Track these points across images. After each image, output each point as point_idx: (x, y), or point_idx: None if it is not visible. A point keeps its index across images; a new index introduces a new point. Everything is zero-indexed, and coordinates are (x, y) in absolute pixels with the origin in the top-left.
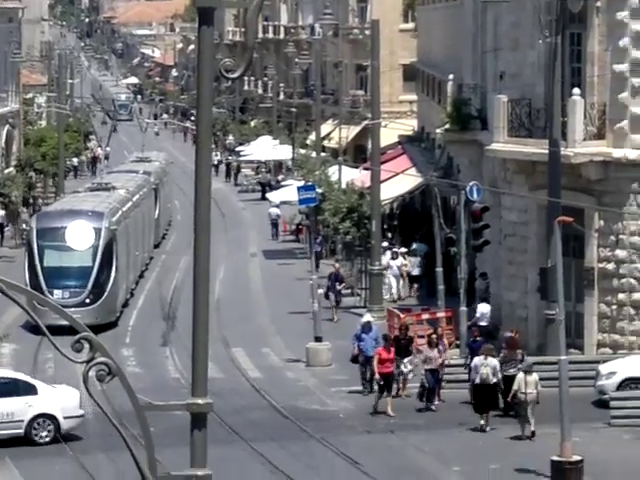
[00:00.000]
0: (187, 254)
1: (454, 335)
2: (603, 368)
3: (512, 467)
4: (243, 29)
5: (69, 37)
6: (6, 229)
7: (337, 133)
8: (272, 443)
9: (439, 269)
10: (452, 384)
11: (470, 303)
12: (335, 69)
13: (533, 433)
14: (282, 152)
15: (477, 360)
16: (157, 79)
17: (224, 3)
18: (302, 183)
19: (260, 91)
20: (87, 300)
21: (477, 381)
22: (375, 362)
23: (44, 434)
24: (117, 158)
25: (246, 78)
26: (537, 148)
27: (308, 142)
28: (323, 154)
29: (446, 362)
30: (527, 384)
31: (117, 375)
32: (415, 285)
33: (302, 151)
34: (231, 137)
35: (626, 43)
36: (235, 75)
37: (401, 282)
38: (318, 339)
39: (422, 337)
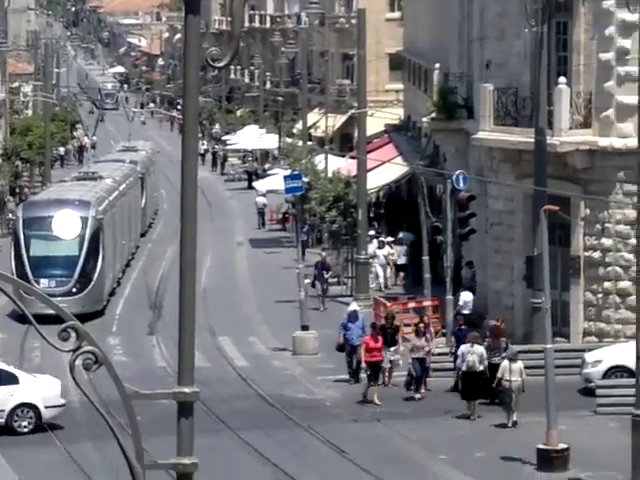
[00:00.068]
0: (173, 243)
1: (440, 324)
2: (589, 356)
3: (498, 455)
4: (229, 18)
5: (55, 26)
6: None
7: (323, 122)
8: (258, 432)
9: (425, 258)
10: (438, 372)
11: (456, 292)
12: (321, 58)
13: (515, 423)
14: (268, 141)
15: (464, 348)
16: (143, 68)
17: None
18: (288, 172)
19: (246, 80)
20: (74, 289)
21: (464, 369)
22: (362, 351)
23: (25, 423)
24: (104, 147)
25: (232, 67)
26: (523, 137)
27: (294, 131)
28: (309, 143)
29: (433, 351)
30: (511, 372)
31: (104, 364)
32: (401, 274)
33: (288, 140)
34: (217, 126)
35: (612, 32)
36: (221, 64)
37: (388, 271)
38: (305, 328)
39: (408, 325)
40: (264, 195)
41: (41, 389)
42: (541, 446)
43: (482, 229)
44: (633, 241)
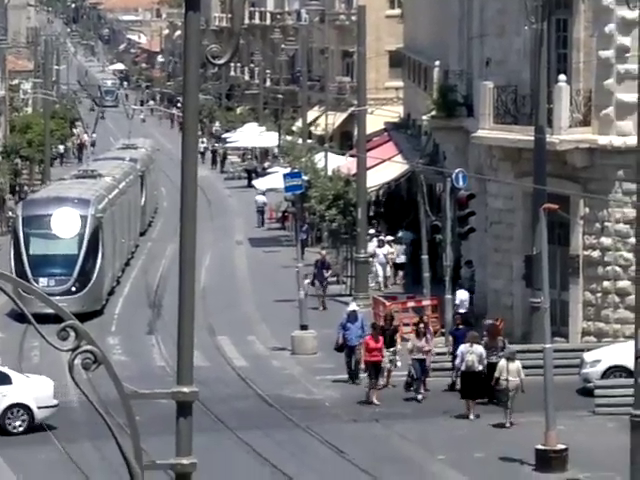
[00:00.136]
0: (173, 242)
1: (439, 323)
2: (588, 356)
3: (496, 455)
4: (229, 15)
5: (55, 23)
6: None
7: (323, 120)
8: (257, 432)
9: (425, 257)
10: (437, 372)
11: (456, 291)
12: (321, 55)
13: (511, 424)
14: (268, 139)
15: (463, 348)
16: (143, 65)
17: None
18: (288, 170)
19: (246, 77)
20: (73, 288)
21: (463, 368)
22: (362, 350)
23: (18, 424)
24: (103, 145)
25: (232, 64)
26: (523, 135)
27: (294, 129)
28: (309, 141)
29: (433, 351)
30: (509, 372)
31: (103, 363)
32: (400, 273)
33: (288, 138)
34: (217, 124)
35: (612, 29)
36: (222, 61)
37: (387, 270)
38: (304, 327)
39: (407, 325)
40: (264, 193)
41: (34, 389)
42: (540, 446)
43: (481, 228)
44: (632, 240)
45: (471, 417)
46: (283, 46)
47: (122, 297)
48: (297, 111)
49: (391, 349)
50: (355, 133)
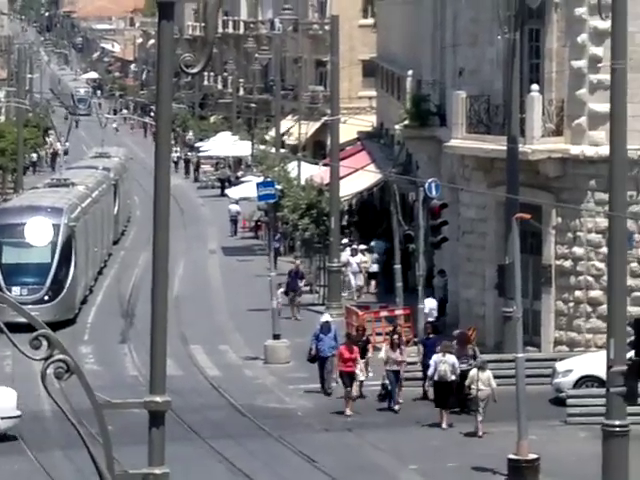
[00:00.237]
0: (146, 250)
1: (412, 332)
2: (560, 366)
3: (469, 465)
4: (203, 24)
5: (29, 31)
6: None
7: (296, 129)
8: (230, 441)
9: (397, 266)
10: (408, 382)
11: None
12: (295, 64)
13: (482, 433)
14: (241, 148)
15: (436, 357)
16: (117, 74)
17: None
18: (261, 179)
19: (220, 86)
20: (45, 297)
21: (435, 378)
22: (336, 360)
23: None
24: (76, 154)
25: (206, 73)
26: (495, 145)
27: (267, 138)
28: (282, 150)
29: (406, 361)
30: (480, 381)
31: (75, 373)
32: (373, 282)
33: (261, 147)
34: (191, 133)
35: (584, 39)
36: (195, 70)
37: (360, 279)
38: (276, 336)
39: (380, 335)
40: (237, 202)
41: None
42: (512, 456)
43: (454, 237)
44: (604, 250)
45: (444, 426)
46: (256, 55)
47: (95, 306)
48: (270, 120)
49: (363, 360)
50: (328, 142)
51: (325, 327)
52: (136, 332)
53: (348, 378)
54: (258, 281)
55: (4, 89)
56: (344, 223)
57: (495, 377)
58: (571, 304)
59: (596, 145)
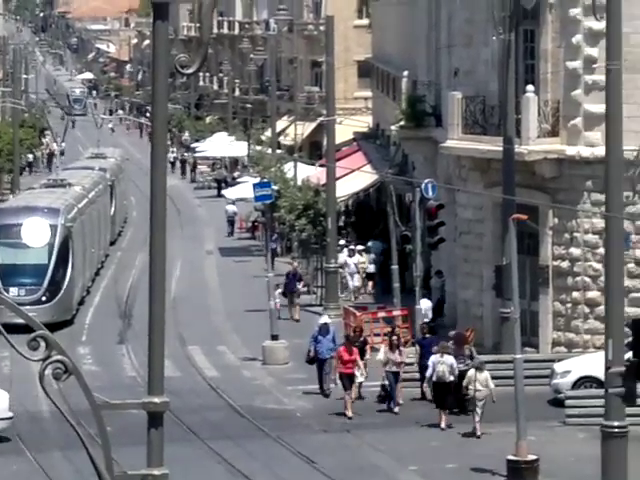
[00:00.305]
0: (143, 251)
1: (410, 333)
2: (558, 367)
3: (468, 466)
4: (198, 24)
5: (24, 32)
6: None
7: (292, 130)
8: (229, 442)
9: (394, 267)
10: (406, 382)
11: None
12: (290, 65)
13: (478, 436)
14: (238, 149)
15: (434, 358)
16: (112, 74)
17: None
18: (258, 180)
19: (215, 87)
20: (43, 298)
21: (434, 379)
22: (336, 362)
23: None
24: (72, 154)
25: (201, 74)
26: (491, 145)
27: (264, 139)
28: (279, 151)
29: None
30: (477, 381)
31: (73, 373)
32: (370, 282)
33: (258, 148)
34: (187, 133)
35: (579, 40)
36: (190, 71)
37: (357, 279)
38: (274, 337)
39: (378, 335)
40: (233, 203)
41: None
42: (511, 457)
43: (451, 238)
44: (601, 250)
45: (442, 426)
46: (252, 56)
47: (92, 307)
48: (266, 121)
49: (361, 361)
50: (324, 143)
51: (324, 329)
52: (134, 333)
53: (348, 380)
54: (255, 282)
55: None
56: (341, 224)
57: (493, 378)
58: (569, 305)
59: (592, 146)
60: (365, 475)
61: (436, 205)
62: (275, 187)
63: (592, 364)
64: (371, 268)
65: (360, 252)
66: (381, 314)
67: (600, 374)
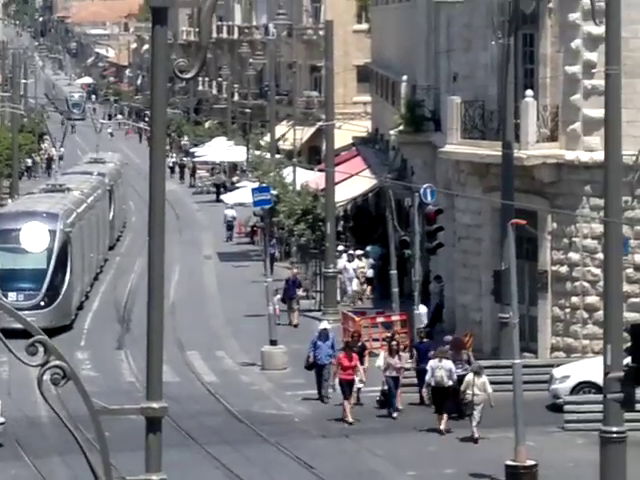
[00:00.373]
0: (142, 256)
1: (408, 338)
2: (557, 372)
3: (467, 471)
4: (197, 29)
5: (23, 36)
6: None
7: (291, 134)
8: (227, 447)
9: (393, 272)
10: (405, 387)
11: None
12: (289, 70)
13: (476, 440)
14: (237, 153)
15: (432, 363)
16: (111, 79)
17: (178, 3)
18: (257, 185)
19: (214, 92)
20: (42, 303)
21: (432, 384)
22: (336, 368)
23: None
24: (71, 159)
25: (200, 79)
26: (490, 150)
27: (262, 143)
28: (278, 156)
29: (405, 366)
30: (475, 386)
31: (72, 379)
32: (368, 287)
33: (257, 152)
34: (186, 138)
35: (578, 45)
36: (189, 75)
37: (356, 284)
38: (273, 342)
39: (377, 340)
40: (232, 208)
41: None
42: (509, 462)
43: (450, 243)
44: (600, 256)
45: (442, 428)
46: (251, 60)
47: (91, 312)
48: (265, 125)
49: (362, 367)
50: (323, 148)
51: (323, 335)
52: (132, 338)
53: (348, 386)
54: (254, 287)
55: None
56: (340, 229)
57: (492, 383)
58: (567, 310)
59: (591, 150)
60: None
61: (435, 210)
62: (274, 192)
63: (591, 369)
64: (370, 273)
65: (359, 257)
66: (380, 319)
67: (599, 379)
